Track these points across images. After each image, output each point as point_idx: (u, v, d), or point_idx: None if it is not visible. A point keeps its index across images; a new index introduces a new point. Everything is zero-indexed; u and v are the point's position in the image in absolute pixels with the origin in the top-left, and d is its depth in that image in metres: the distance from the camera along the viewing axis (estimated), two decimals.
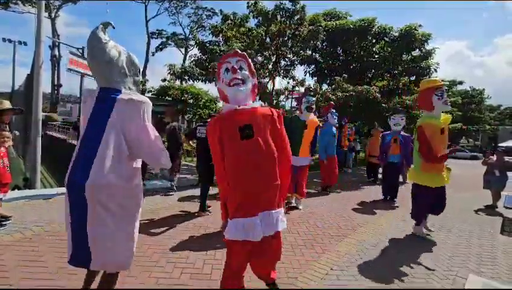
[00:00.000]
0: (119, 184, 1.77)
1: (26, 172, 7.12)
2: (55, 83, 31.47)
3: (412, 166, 4.23)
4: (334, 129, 7.10)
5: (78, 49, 10.41)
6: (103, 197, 1.73)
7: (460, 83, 32.59)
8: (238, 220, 1.91)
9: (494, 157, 6.71)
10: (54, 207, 4.31)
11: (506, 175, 6.46)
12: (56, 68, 31.14)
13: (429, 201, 3.95)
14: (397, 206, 5.98)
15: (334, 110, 7.37)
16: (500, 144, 31.27)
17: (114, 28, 1.97)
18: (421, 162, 3.86)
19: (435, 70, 12.39)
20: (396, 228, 4.53)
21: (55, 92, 31.94)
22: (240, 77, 1.96)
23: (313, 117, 5.22)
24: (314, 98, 5.39)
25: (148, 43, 36.34)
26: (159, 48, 38.92)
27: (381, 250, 3.58)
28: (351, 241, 3.85)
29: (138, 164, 1.98)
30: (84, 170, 1.71)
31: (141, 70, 2.10)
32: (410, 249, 3.68)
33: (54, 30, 29.86)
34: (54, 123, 25.46)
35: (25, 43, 28.18)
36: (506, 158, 6.68)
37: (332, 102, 8.00)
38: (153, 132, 1.93)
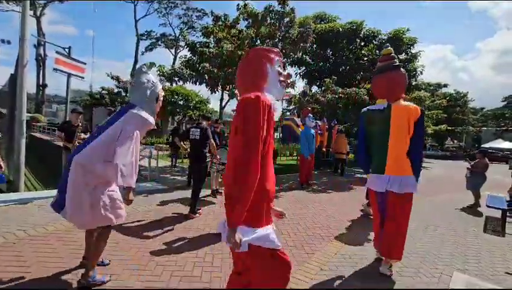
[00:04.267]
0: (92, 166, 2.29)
1: (10, 174, 6.89)
2: (40, 83, 30.60)
3: None
4: (312, 131, 8.06)
5: (64, 48, 10.16)
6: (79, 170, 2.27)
7: (445, 86, 33.48)
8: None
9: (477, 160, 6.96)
10: (38, 210, 4.19)
11: (484, 175, 6.70)
12: (41, 68, 30.29)
13: None
14: None
15: (311, 115, 8.28)
16: (483, 145, 32.34)
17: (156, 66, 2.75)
18: None
19: (421, 72, 12.71)
20: None
21: (40, 92, 31.06)
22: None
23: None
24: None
25: (137, 44, 35.91)
26: (149, 49, 38.50)
27: (370, 250, 3.64)
28: (340, 241, 3.89)
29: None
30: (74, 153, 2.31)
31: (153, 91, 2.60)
32: None
33: (39, 29, 29.09)
34: (39, 124, 24.77)
35: (9, 42, 27.32)
36: (487, 159, 6.93)
37: (309, 108, 8.80)
38: (133, 147, 2.31)
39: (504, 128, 40.63)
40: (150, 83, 2.53)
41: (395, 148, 2.92)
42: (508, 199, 6.65)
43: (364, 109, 3.30)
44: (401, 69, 3.04)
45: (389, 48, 3.20)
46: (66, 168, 2.31)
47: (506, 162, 23.77)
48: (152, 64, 2.64)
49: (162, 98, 2.65)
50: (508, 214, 5.30)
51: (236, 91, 10.97)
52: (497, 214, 5.44)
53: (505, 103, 45.66)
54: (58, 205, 2.29)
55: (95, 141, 2.30)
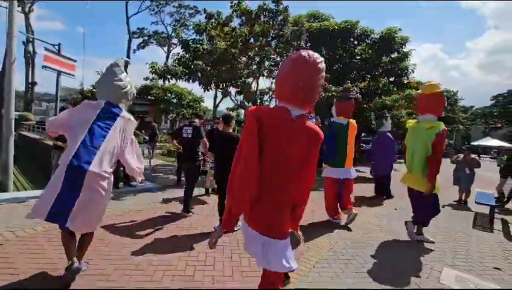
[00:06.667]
0: (107, 174, 2.36)
1: None
2: (30, 80, 29.94)
3: (419, 172, 3.78)
4: None
5: (54, 45, 9.94)
6: (97, 181, 2.28)
7: None
8: None
9: (461, 156, 7.13)
10: (27, 211, 4.09)
11: (473, 172, 6.85)
12: (30, 65, 29.62)
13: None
14: (382, 204, 6.26)
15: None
16: (472, 143, 32.99)
17: (130, 64, 2.73)
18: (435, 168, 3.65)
19: (412, 71, 12.84)
20: (379, 225, 4.66)
21: (30, 90, 30.40)
22: None
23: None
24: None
25: (129, 41, 35.38)
26: (141, 46, 37.98)
27: (362, 246, 3.67)
28: (334, 238, 3.92)
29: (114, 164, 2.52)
30: (88, 158, 2.25)
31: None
32: (390, 245, 3.80)
33: (27, 25, 28.36)
34: (29, 123, 24.25)
35: None
36: (472, 156, 7.09)
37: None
38: (137, 147, 2.67)
39: (493, 126, 41.49)
40: (129, 85, 2.59)
41: (350, 150, 4.54)
42: (496, 195, 6.81)
43: (332, 120, 4.73)
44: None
45: (349, 84, 4.31)
46: (71, 180, 2.20)
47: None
48: (127, 63, 2.65)
49: None
50: (496, 211, 5.42)
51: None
52: (486, 210, 5.56)
53: (494, 101, 46.59)
54: (62, 217, 2.20)
55: (102, 150, 2.32)
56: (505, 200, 6.76)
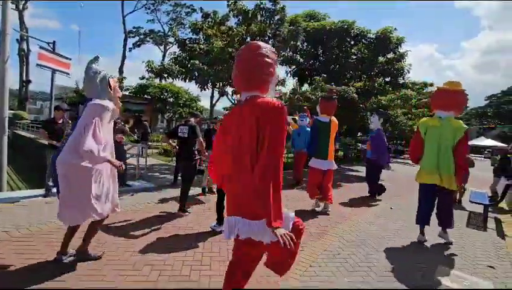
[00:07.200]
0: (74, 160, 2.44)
1: None
2: (24, 78, 29.58)
3: (450, 170, 3.80)
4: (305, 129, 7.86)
5: (48, 43, 9.83)
6: (63, 169, 2.45)
7: (431, 84, 34.30)
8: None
9: None
10: (22, 211, 4.06)
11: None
12: (24, 63, 29.26)
13: None
14: (377, 203, 6.27)
15: (303, 113, 8.18)
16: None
17: (99, 57, 2.76)
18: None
19: (408, 71, 12.94)
20: (374, 224, 4.69)
21: (24, 88, 30.05)
22: None
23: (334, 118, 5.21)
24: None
25: (125, 40, 35.12)
26: (137, 45, 37.73)
27: (358, 246, 3.70)
28: (330, 238, 3.93)
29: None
30: (59, 152, 2.51)
31: (110, 83, 2.73)
32: (386, 245, 3.82)
33: (21, 22, 27.99)
34: (23, 122, 23.97)
35: None
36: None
37: (306, 107, 8.81)
38: (94, 128, 2.48)
39: (487, 126, 41.95)
40: (97, 74, 2.66)
41: (331, 145, 5.11)
42: (490, 194, 6.90)
43: (316, 117, 5.27)
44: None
45: (333, 85, 4.34)
46: (55, 177, 2.51)
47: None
48: (96, 58, 2.75)
49: (116, 84, 2.82)
50: (489, 209, 5.48)
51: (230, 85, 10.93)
52: (480, 209, 5.62)
53: (488, 101, 47.12)
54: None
55: (68, 140, 2.52)
56: (498, 199, 6.84)
